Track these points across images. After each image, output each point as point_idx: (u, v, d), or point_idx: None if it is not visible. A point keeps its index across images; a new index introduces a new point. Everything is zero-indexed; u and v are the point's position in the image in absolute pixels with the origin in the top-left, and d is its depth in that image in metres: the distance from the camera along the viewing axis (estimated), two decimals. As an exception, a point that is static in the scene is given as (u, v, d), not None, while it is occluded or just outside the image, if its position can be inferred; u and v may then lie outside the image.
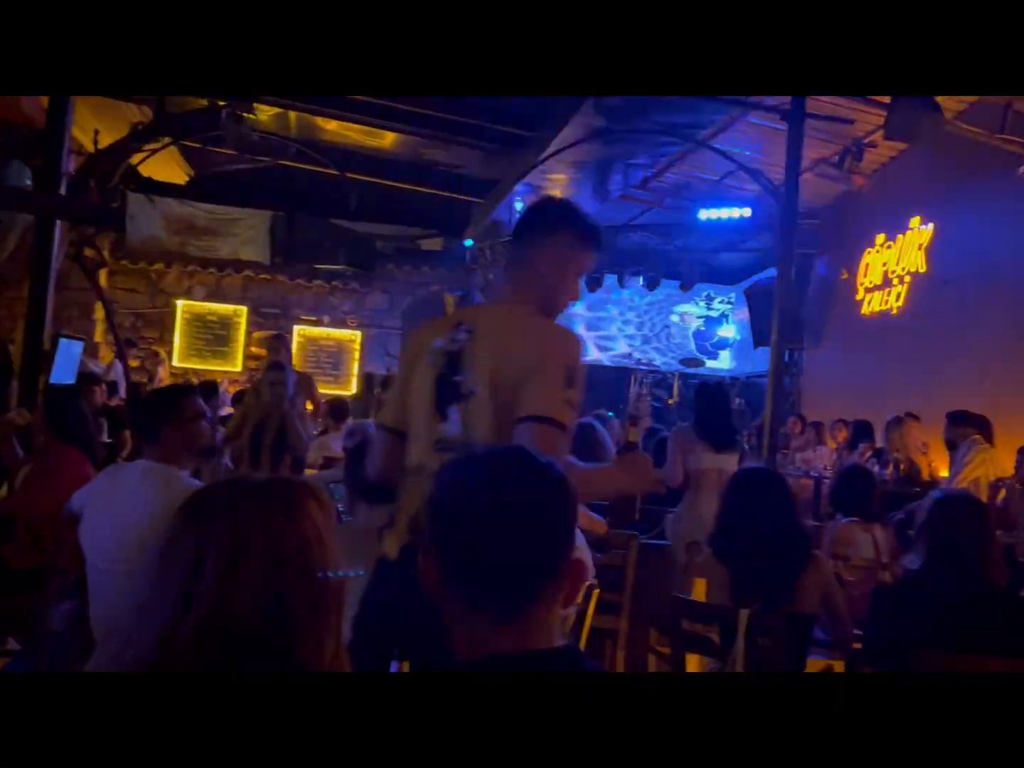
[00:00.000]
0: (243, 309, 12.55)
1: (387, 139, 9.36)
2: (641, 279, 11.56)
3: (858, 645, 2.68)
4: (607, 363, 13.09)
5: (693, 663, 2.97)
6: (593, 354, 13.36)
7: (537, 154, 8.02)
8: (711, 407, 4.57)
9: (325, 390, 11.86)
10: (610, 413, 7.17)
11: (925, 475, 6.32)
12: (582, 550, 2.99)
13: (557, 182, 9.67)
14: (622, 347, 13.11)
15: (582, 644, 3.01)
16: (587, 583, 3.08)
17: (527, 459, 1.13)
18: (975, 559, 2.38)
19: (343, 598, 1.12)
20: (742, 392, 11.20)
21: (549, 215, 2.11)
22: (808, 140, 8.25)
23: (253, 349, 11.82)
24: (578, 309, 13.20)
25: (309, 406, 6.33)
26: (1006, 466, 5.65)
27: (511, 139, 8.46)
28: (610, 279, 11.67)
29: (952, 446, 5.87)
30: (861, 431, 7.21)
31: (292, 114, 8.77)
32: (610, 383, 12.42)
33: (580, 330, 13.36)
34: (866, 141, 8.03)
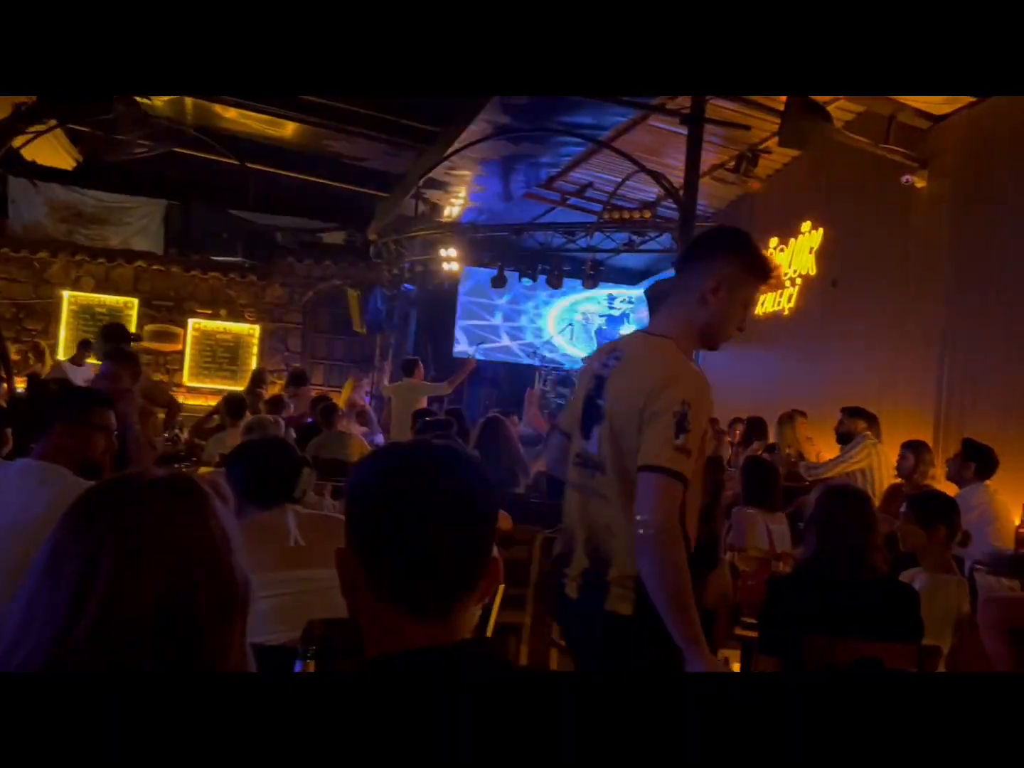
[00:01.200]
0: (134, 301, 12.05)
1: (288, 129, 9.15)
2: (545, 277, 11.67)
3: (754, 633, 2.77)
4: (515, 360, 13.18)
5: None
6: (507, 343, 13.43)
7: (443, 150, 7.99)
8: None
9: (222, 385, 11.53)
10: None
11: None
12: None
13: (462, 178, 9.66)
14: (526, 344, 13.22)
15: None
16: (493, 579, 3.09)
17: (454, 453, 1.11)
18: (860, 547, 2.49)
19: (248, 598, 1.08)
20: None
21: (718, 243, 2.10)
22: (707, 145, 8.49)
23: (144, 344, 11.36)
24: (501, 301, 13.24)
25: (160, 413, 6.07)
26: (892, 460, 5.94)
27: (416, 133, 8.40)
28: (516, 277, 11.75)
29: (846, 439, 6.14)
30: (755, 427, 7.46)
31: (188, 100, 8.47)
32: (516, 379, 12.49)
33: (498, 321, 13.40)
34: (761, 147, 8.32)
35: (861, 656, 2.36)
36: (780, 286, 8.43)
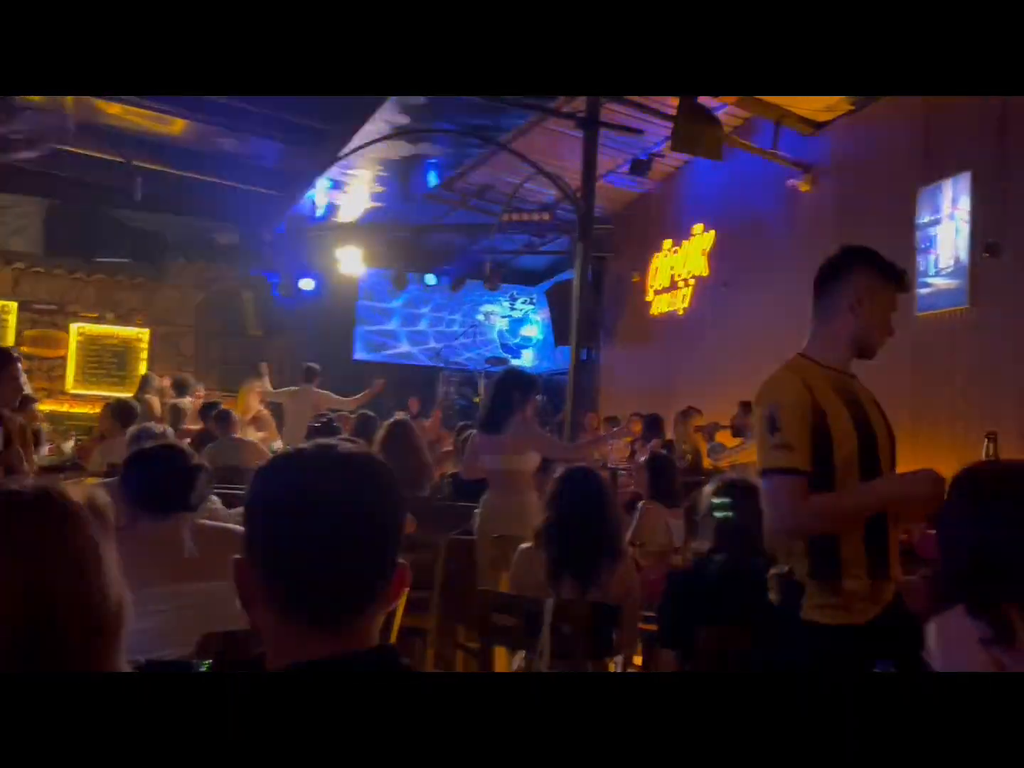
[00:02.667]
0: (12, 305, 11.40)
1: (176, 126, 8.83)
2: (446, 279, 11.65)
3: (653, 627, 2.83)
4: (418, 362, 13.09)
5: (501, 657, 3.03)
6: (400, 352, 13.32)
7: (338, 149, 7.86)
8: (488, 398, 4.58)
9: (109, 392, 11.03)
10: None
11: (706, 464, 6.79)
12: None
13: (360, 179, 9.53)
14: (430, 346, 13.16)
15: (391, 643, 2.98)
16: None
17: (351, 460, 1.07)
18: (756, 539, 2.57)
19: (122, 615, 1.03)
20: (544, 390, 11.55)
21: (851, 261, 2.19)
22: (603, 148, 8.64)
23: (24, 348, 10.77)
24: (396, 304, 13.11)
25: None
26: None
27: (310, 132, 8.24)
28: (417, 278, 11.69)
29: (741, 432, 6.35)
30: (653, 424, 7.64)
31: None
32: (419, 382, 12.41)
33: (396, 327, 13.28)
34: (655, 151, 8.52)
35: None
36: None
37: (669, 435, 7.41)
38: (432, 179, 9.85)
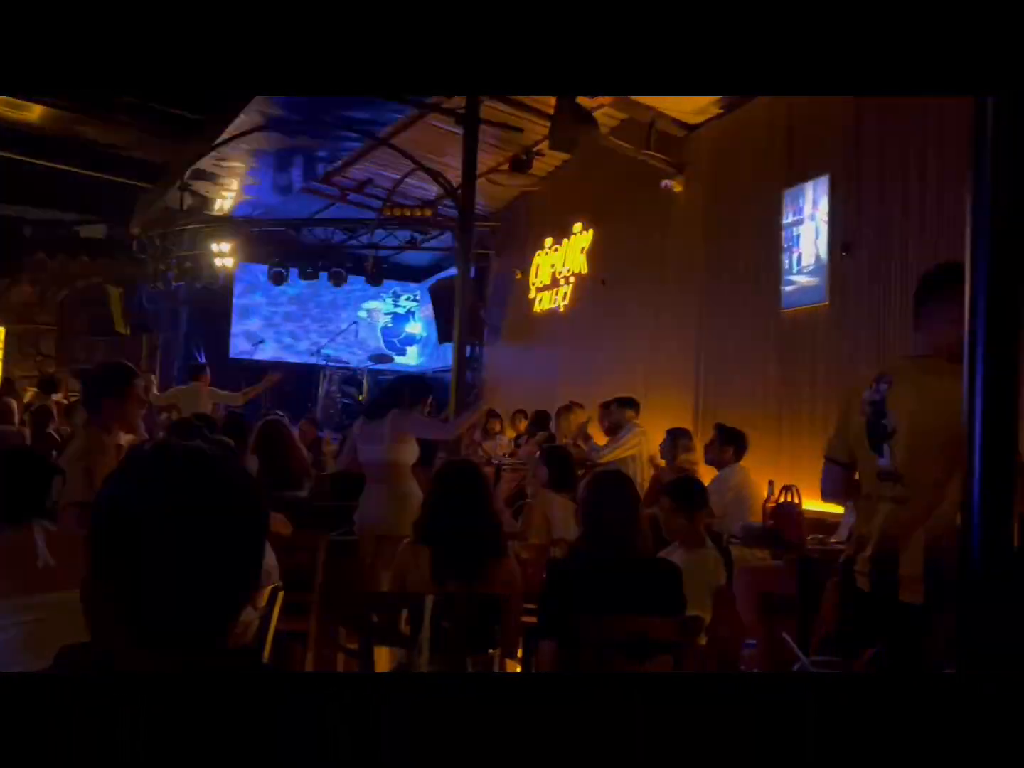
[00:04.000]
0: None
1: (35, 112, 8.32)
2: (326, 274, 11.44)
3: (534, 619, 2.86)
4: (298, 360, 12.80)
5: (383, 657, 2.99)
6: (279, 350, 12.98)
7: (210, 139, 7.59)
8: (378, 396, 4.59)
9: (-39, 395, 10.29)
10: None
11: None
12: (265, 551, 2.88)
13: (234, 170, 9.23)
14: (310, 343, 12.89)
15: (267, 649, 2.90)
16: (271, 585, 2.98)
17: (209, 462, 1.01)
18: (625, 529, 2.65)
19: None
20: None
21: (942, 275, 2.34)
22: (484, 145, 8.66)
23: None
24: (274, 300, 12.76)
25: None
26: (655, 446, 6.37)
27: (180, 121, 7.92)
28: (296, 274, 11.42)
29: (617, 427, 6.50)
30: (539, 420, 7.73)
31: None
32: (299, 380, 12.13)
33: (273, 323, 12.92)
34: (535, 149, 8.61)
35: (629, 631, 2.51)
36: None
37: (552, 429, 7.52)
38: (309, 172, 9.64)
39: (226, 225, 10.55)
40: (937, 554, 2.17)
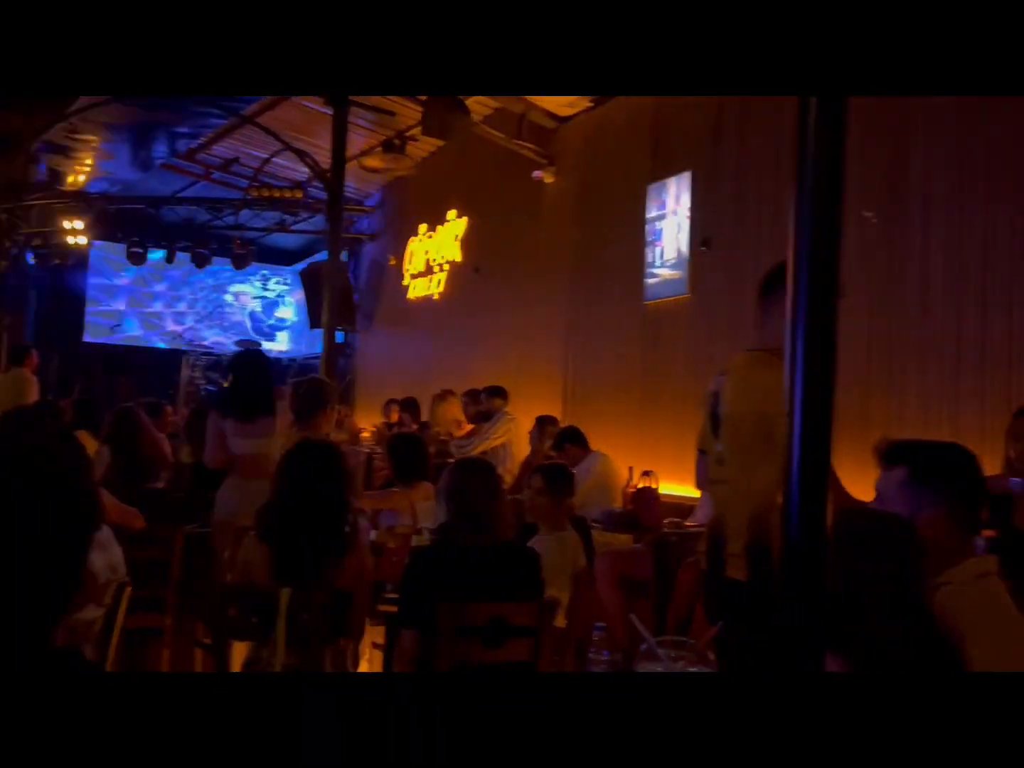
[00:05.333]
0: None
1: None
2: (188, 256, 10.97)
3: (393, 608, 2.84)
4: (159, 344, 12.24)
5: (241, 652, 2.91)
6: (138, 334, 12.39)
7: (59, 111, 7.12)
8: (239, 378, 4.34)
9: None
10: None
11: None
12: (109, 546, 2.74)
13: (88, 143, 8.70)
14: (172, 327, 12.35)
15: (113, 647, 2.76)
16: (117, 581, 2.84)
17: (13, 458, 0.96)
18: (486, 515, 2.66)
19: None
20: (299, 373, 11.24)
21: (776, 274, 2.39)
22: (356, 128, 8.50)
23: None
24: (132, 282, 12.14)
25: None
26: (524, 433, 6.45)
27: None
28: (156, 255, 10.90)
29: (487, 416, 6.53)
30: (409, 407, 7.68)
31: None
32: (160, 366, 11.61)
33: (122, 307, 12.30)
34: (408, 134, 8.52)
35: (490, 617, 2.53)
36: (845, 294, 8.40)
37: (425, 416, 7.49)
38: (171, 148, 9.21)
39: (80, 201, 9.95)
40: (757, 532, 2.33)
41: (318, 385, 4.29)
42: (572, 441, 5.34)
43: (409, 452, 4.09)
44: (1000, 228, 4.07)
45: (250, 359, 4.52)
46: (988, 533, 2.92)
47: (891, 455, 1.82)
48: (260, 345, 12.60)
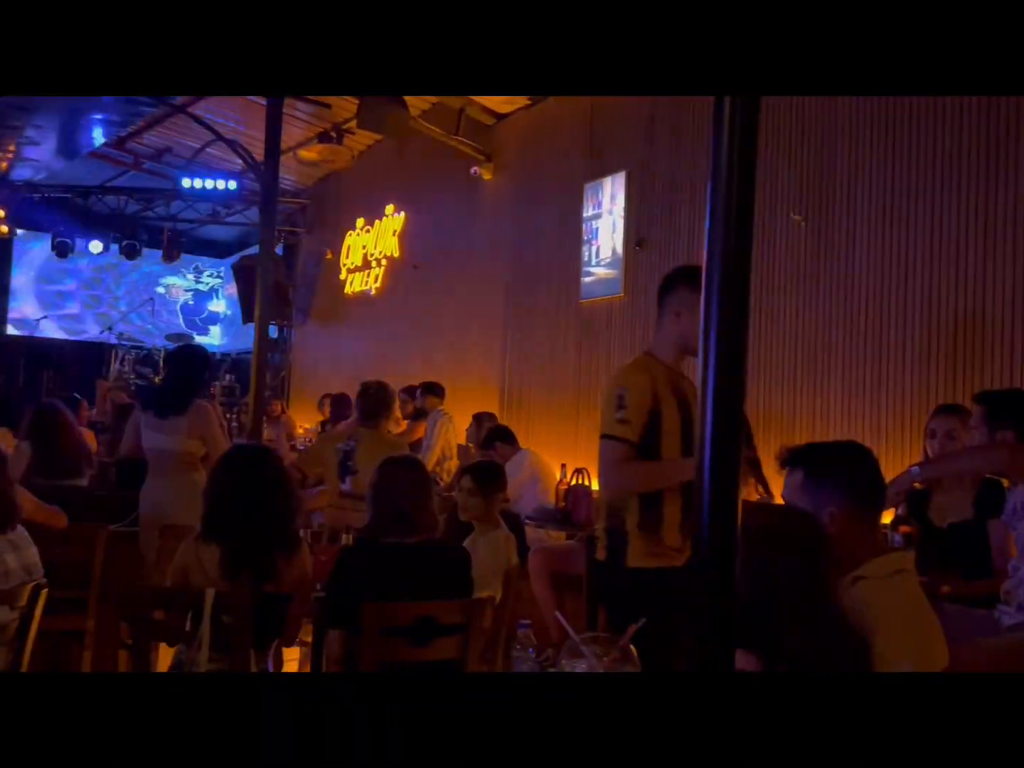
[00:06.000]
0: None
1: None
2: (117, 247, 10.67)
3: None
4: (86, 337, 11.87)
5: (168, 654, 2.84)
6: (65, 327, 12.01)
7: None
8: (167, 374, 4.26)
9: None
10: (76, 395, 6.45)
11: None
12: (24, 546, 2.66)
13: (10, 129, 8.39)
14: (100, 320, 11.99)
15: (28, 650, 2.67)
16: (33, 583, 2.75)
17: None
18: (414, 513, 2.64)
19: None
20: (232, 368, 11.03)
21: (677, 279, 2.63)
22: (293, 120, 8.38)
23: None
24: (39, 273, 11.74)
25: None
26: (462, 431, 6.43)
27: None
28: (84, 246, 10.58)
29: (423, 413, 6.49)
30: (341, 404, 7.58)
31: None
32: (87, 360, 11.26)
33: (47, 299, 11.90)
34: (346, 127, 8.42)
35: (417, 616, 2.52)
36: None
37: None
38: (99, 136, 8.94)
39: (2, 189, 9.60)
40: (613, 512, 2.54)
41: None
42: (502, 439, 5.35)
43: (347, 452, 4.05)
44: (919, 230, 4.20)
45: (181, 355, 4.43)
46: (906, 529, 3.02)
47: (789, 460, 1.88)
48: (192, 339, 12.33)
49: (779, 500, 2.57)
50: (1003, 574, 2.79)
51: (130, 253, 10.72)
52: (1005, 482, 2.91)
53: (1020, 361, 3.76)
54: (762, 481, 2.71)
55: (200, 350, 4.58)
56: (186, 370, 4.22)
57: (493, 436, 5.37)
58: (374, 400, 4.44)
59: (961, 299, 4.00)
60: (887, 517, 3.05)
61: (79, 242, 10.46)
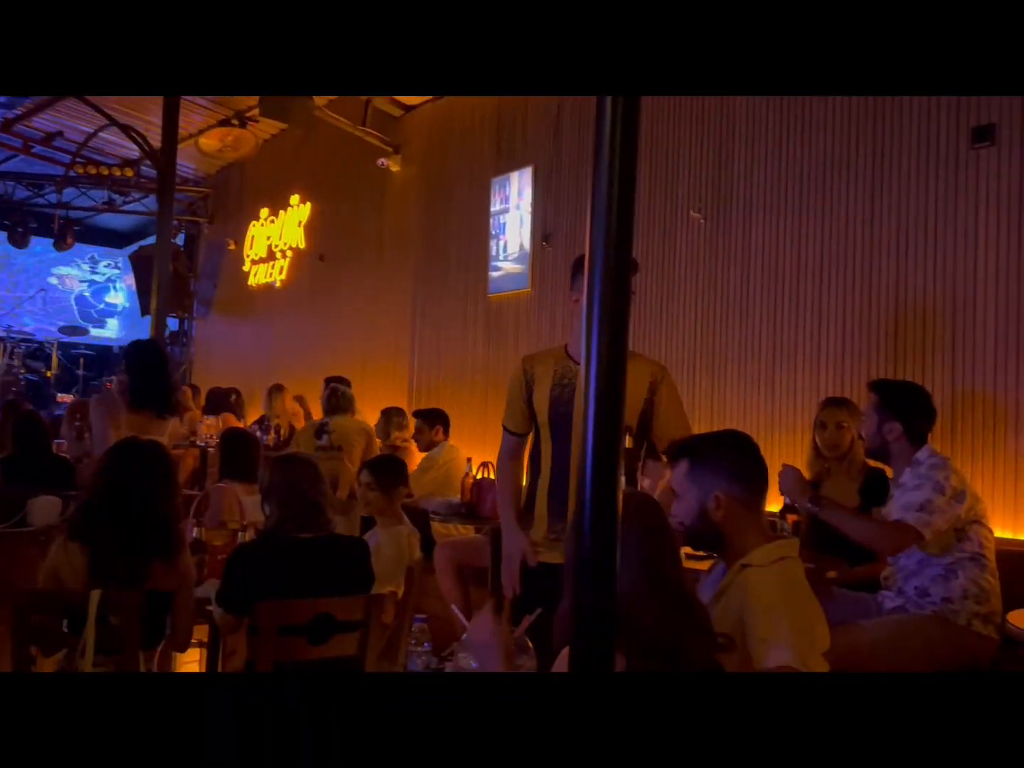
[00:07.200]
0: None
1: None
2: (4, 234, 10.14)
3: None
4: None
5: (56, 658, 2.72)
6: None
7: None
8: (148, 370, 4.06)
9: None
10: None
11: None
12: None
13: None
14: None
15: None
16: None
17: None
18: (312, 509, 2.61)
19: None
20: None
21: (577, 264, 2.57)
22: (194, 107, 8.12)
23: None
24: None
25: None
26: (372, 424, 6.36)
27: None
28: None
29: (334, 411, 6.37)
30: (215, 401, 7.41)
31: None
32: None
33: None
34: (249, 115, 8.20)
35: (316, 613, 2.48)
36: None
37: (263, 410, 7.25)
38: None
39: None
40: None
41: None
42: (435, 423, 5.43)
43: (239, 448, 3.96)
44: (810, 231, 4.36)
45: (153, 352, 4.24)
46: (793, 517, 3.13)
47: (676, 452, 1.94)
48: (88, 332, 11.84)
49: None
50: (885, 560, 2.93)
51: (18, 241, 10.21)
52: (889, 472, 3.04)
53: (903, 359, 3.94)
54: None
55: (158, 348, 4.46)
56: (162, 368, 4.08)
57: (435, 417, 5.46)
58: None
59: (849, 299, 4.17)
60: (776, 506, 3.16)
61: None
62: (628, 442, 2.50)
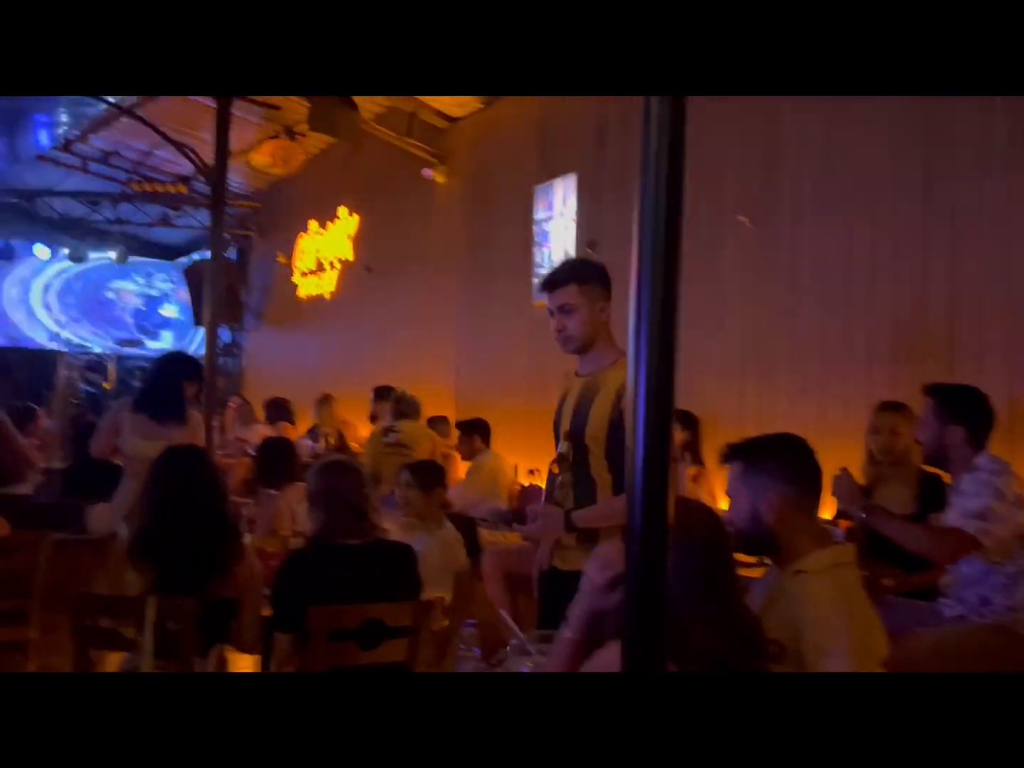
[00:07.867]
0: None
1: None
2: (65, 251, 10.46)
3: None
4: (34, 343, 11.60)
5: (114, 663, 2.79)
6: (10, 332, 11.72)
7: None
8: (154, 379, 4.14)
9: None
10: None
11: (356, 448, 6.85)
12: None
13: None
14: (47, 325, 11.72)
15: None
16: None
17: None
18: (358, 516, 2.63)
19: None
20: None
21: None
22: (244, 123, 8.28)
23: None
24: (4, 278, 11.45)
25: None
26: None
27: None
28: (31, 250, 10.35)
29: (376, 417, 6.46)
30: (277, 408, 7.51)
31: None
32: (35, 366, 11.01)
33: (3, 304, 11.62)
34: (296, 129, 8.35)
35: (365, 619, 2.50)
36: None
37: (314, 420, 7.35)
38: (43, 139, 8.76)
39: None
40: None
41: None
42: (474, 432, 5.45)
43: (278, 455, 4.00)
44: (861, 233, 4.29)
45: (174, 361, 4.33)
46: (846, 524, 3.08)
47: (728, 455, 1.91)
48: (144, 344, 12.13)
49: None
50: (943, 568, 2.86)
51: (77, 257, 10.52)
52: (946, 477, 2.97)
53: (959, 363, 3.84)
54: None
55: (190, 357, 4.52)
56: (178, 377, 4.13)
57: (472, 428, 5.49)
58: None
59: (901, 302, 4.09)
60: (829, 512, 3.11)
61: (24, 246, 10.24)
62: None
